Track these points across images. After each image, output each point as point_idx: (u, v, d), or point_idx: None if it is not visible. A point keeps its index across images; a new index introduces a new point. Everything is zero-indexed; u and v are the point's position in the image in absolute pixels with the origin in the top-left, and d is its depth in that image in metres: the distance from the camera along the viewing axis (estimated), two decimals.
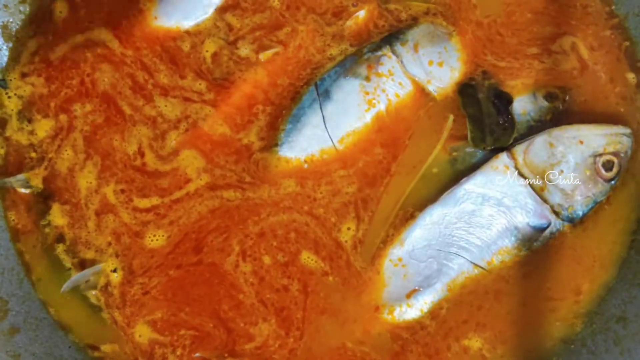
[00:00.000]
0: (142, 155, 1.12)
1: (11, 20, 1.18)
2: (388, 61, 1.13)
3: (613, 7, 1.18)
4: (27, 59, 1.17)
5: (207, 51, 1.16)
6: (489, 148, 1.09)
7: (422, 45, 1.13)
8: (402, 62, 1.13)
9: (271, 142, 1.12)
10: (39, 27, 1.18)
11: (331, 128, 1.11)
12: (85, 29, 1.17)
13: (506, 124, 1.09)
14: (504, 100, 1.11)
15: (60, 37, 1.17)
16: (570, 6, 1.18)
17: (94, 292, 1.08)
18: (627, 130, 1.08)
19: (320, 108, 1.11)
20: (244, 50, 1.16)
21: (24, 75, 1.16)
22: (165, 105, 1.14)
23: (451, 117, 1.11)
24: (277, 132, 1.12)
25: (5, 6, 1.17)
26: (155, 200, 1.10)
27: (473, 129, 1.10)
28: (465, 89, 1.12)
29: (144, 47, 1.16)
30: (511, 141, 1.08)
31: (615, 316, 1.07)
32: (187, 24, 1.17)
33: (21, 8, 1.18)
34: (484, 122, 1.09)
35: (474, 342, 1.06)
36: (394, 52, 1.13)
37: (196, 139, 1.13)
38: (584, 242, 1.09)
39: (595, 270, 1.09)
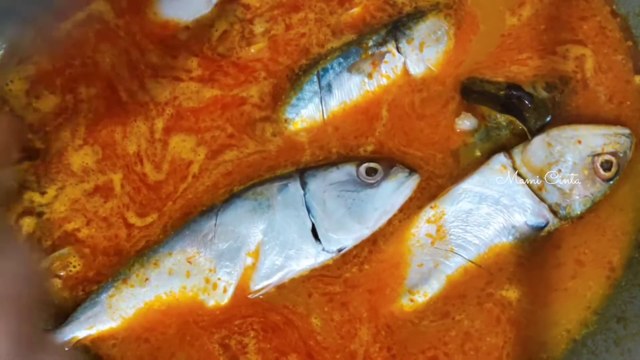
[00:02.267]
0: (141, 161, 1.14)
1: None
2: (392, 60, 1.13)
3: (614, 7, 1.18)
4: (24, 49, 1.18)
5: (216, 30, 1.17)
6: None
7: (428, 44, 1.14)
8: (405, 61, 1.13)
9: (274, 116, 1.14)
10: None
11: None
12: (86, 4, 1.19)
13: (534, 104, 1.10)
14: (516, 87, 1.11)
15: (62, 15, 1.18)
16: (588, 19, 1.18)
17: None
18: (626, 131, 1.08)
19: (321, 102, 1.12)
20: (259, 27, 1.18)
21: (20, 62, 1.17)
22: (156, 88, 1.16)
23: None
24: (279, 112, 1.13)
25: None
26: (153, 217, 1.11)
27: (523, 123, 1.10)
28: (470, 97, 1.13)
29: (141, 32, 1.19)
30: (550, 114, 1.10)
31: (615, 316, 1.07)
32: (187, 18, 1.18)
33: None
34: (520, 114, 1.09)
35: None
36: (399, 49, 1.13)
37: (179, 121, 1.15)
38: (589, 240, 1.09)
39: (602, 269, 1.09)
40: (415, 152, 1.12)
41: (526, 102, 1.09)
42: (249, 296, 1.05)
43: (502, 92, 1.11)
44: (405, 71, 1.14)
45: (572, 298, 1.07)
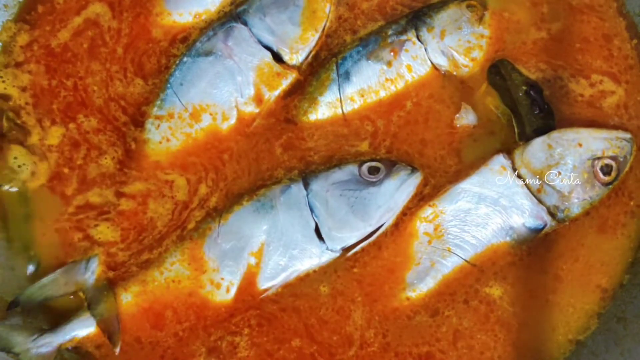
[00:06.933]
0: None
1: (10, 19, 1.19)
2: (412, 48, 1.13)
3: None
4: (21, 50, 1.19)
5: None
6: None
7: (449, 32, 1.13)
8: (426, 49, 1.13)
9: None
10: (35, 16, 1.21)
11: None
12: (82, 8, 1.20)
13: (542, 113, 1.09)
14: (538, 91, 1.11)
15: (61, 21, 1.20)
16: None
17: None
18: (627, 135, 1.08)
19: (339, 90, 1.13)
20: None
21: (18, 65, 1.18)
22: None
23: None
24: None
25: (5, 6, 1.19)
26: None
27: (517, 125, 1.10)
28: (493, 78, 1.13)
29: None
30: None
31: (615, 316, 1.08)
32: (195, 10, 1.18)
33: None
34: (520, 115, 1.10)
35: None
36: (419, 38, 1.13)
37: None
38: (594, 242, 1.10)
39: (605, 271, 1.10)
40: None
41: (536, 108, 1.09)
42: (257, 298, 1.06)
43: (523, 87, 1.11)
44: (428, 59, 1.13)
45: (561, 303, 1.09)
